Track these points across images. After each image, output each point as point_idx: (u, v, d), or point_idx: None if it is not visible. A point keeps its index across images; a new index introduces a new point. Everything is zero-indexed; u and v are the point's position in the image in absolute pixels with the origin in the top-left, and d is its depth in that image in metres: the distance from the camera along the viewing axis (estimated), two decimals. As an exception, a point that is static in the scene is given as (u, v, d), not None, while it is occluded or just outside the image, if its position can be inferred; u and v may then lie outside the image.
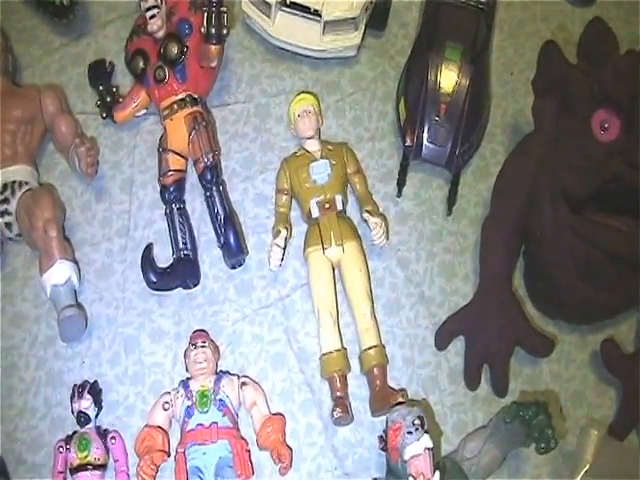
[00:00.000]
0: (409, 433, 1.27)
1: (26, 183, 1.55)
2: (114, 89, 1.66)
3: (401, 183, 1.61)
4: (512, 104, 1.72)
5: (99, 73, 1.68)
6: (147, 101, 1.64)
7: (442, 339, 1.52)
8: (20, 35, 1.74)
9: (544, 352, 1.50)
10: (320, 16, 1.63)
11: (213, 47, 1.54)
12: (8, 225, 1.53)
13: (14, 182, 1.54)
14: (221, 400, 1.41)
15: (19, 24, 1.75)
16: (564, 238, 1.47)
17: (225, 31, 1.53)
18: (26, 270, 1.56)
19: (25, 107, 1.59)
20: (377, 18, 1.71)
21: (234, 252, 1.51)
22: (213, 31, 1.51)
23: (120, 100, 1.65)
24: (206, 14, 1.51)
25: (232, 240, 1.50)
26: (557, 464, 1.45)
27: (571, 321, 1.55)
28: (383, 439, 1.34)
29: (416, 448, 1.26)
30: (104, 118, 1.65)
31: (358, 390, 1.48)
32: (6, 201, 1.53)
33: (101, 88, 1.65)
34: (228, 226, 1.51)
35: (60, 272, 1.48)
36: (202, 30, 1.52)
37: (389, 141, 1.67)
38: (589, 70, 1.51)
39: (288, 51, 1.71)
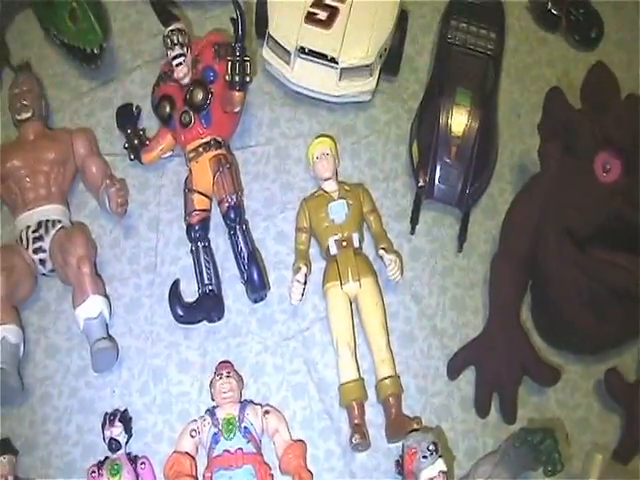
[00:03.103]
0: (424, 457, 1.33)
1: (59, 222, 1.61)
2: (141, 132, 1.71)
3: (414, 221, 1.66)
4: (519, 145, 1.76)
5: (126, 117, 1.73)
6: (173, 144, 1.70)
7: (454, 369, 1.56)
8: (51, 80, 1.79)
9: (551, 381, 1.54)
10: (337, 63, 1.68)
11: (237, 93, 1.59)
12: (42, 261, 1.59)
13: (48, 220, 1.60)
14: (246, 427, 1.45)
15: (50, 70, 1.81)
16: (569, 273, 1.51)
17: (248, 78, 1.58)
18: (58, 304, 1.61)
19: (58, 150, 1.65)
20: (390, 64, 1.76)
21: (257, 287, 1.56)
22: (237, 78, 1.56)
23: (147, 143, 1.70)
24: (230, 63, 1.56)
25: (255, 276, 1.55)
26: (564, 488, 1.50)
27: (576, 352, 1.59)
28: (399, 464, 1.39)
29: (431, 471, 1.32)
30: (132, 160, 1.70)
31: (374, 418, 1.51)
32: (40, 239, 1.59)
33: (129, 131, 1.70)
34: (252, 263, 1.55)
35: (93, 306, 1.53)
36: (226, 77, 1.57)
37: (403, 181, 1.72)
38: (592, 114, 1.56)
39: (306, 96, 1.75)
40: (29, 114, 1.67)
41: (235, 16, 1.55)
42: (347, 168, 1.73)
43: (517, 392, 1.54)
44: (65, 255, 1.55)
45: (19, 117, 1.68)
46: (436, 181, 1.65)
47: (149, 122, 1.75)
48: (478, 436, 1.53)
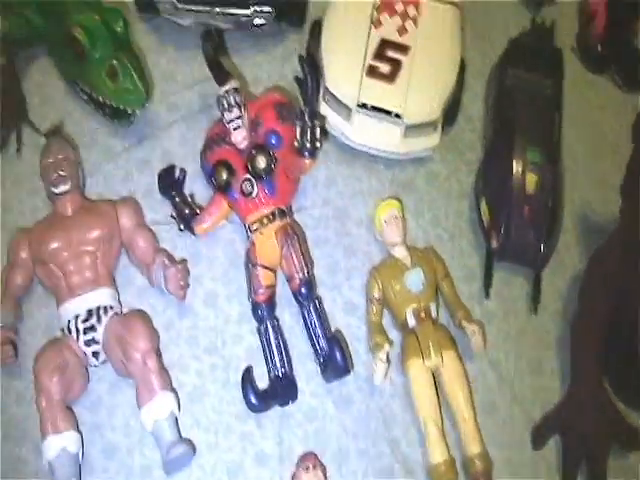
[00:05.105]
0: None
1: (111, 307, 1.46)
2: (189, 199, 1.57)
3: (488, 284, 1.61)
4: (577, 195, 1.72)
5: (170, 182, 1.57)
6: (228, 212, 1.57)
7: (539, 439, 1.52)
8: (79, 140, 1.63)
9: (637, 446, 1.52)
10: (402, 119, 1.60)
11: (307, 161, 1.48)
12: (95, 354, 1.44)
13: (99, 307, 1.45)
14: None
15: (76, 127, 1.65)
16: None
17: (319, 144, 1.46)
18: (112, 397, 1.47)
19: (103, 225, 1.50)
20: (448, 114, 1.69)
21: (341, 371, 1.46)
22: (308, 145, 1.45)
23: (198, 211, 1.56)
24: (299, 128, 1.45)
25: (339, 358, 1.44)
26: None
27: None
28: None
29: None
30: (181, 230, 1.55)
31: (459, 493, 1.47)
32: (92, 329, 1.43)
33: (177, 199, 1.55)
34: (333, 344, 1.45)
35: (162, 405, 1.40)
36: (295, 143, 1.46)
37: (468, 240, 1.66)
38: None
39: (362, 152, 1.66)
40: (67, 187, 1.50)
41: (302, 75, 1.44)
42: (411, 228, 1.65)
43: (607, 459, 1.49)
44: (127, 349, 1.40)
45: (56, 190, 1.50)
46: (510, 242, 1.60)
47: (192, 184, 1.61)
48: (569, 506, 1.50)
